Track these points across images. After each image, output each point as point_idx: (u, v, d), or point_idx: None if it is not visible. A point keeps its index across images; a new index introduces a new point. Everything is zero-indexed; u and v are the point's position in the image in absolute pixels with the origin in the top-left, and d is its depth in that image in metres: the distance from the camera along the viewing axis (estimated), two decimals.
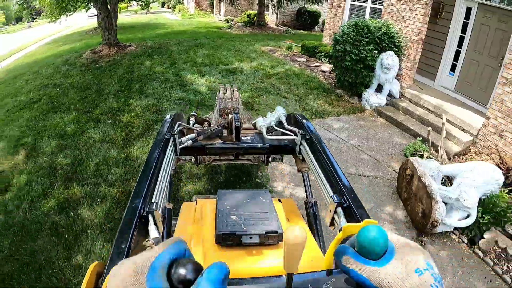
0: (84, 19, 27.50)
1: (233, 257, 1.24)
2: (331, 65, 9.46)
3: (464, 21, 8.37)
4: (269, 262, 0.99)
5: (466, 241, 4.63)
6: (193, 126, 1.93)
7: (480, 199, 4.70)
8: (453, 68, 8.90)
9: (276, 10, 19.18)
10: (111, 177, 5.02)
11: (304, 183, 1.79)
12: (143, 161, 5.22)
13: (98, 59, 11.09)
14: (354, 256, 0.63)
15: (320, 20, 19.93)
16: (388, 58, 7.63)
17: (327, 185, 1.29)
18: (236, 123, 1.72)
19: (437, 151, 5.97)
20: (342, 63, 8.20)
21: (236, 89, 2.59)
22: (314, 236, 1.51)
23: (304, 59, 11.20)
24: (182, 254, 0.60)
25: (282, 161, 2.82)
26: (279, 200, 1.70)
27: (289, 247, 0.62)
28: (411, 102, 8.37)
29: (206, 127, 1.95)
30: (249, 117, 2.96)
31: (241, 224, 1.31)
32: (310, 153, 1.56)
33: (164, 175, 1.39)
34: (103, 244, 3.91)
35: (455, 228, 4.72)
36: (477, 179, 4.70)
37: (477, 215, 4.57)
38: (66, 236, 4.02)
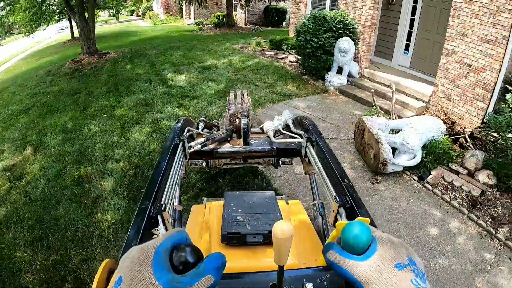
0: (54, 33, 27.42)
1: (238, 255, 1.29)
2: (297, 55, 10.37)
3: (413, 5, 9.25)
4: (272, 260, 0.91)
5: (416, 178, 5.43)
6: (202, 131, 1.96)
7: (424, 144, 5.52)
8: (407, 48, 9.78)
9: (244, 10, 19.98)
10: (116, 156, 5.71)
11: (311, 185, 1.83)
12: (142, 142, 6.08)
13: (80, 68, 11.51)
14: (338, 251, 0.66)
15: (287, 16, 20.53)
16: (344, 43, 8.54)
17: (330, 186, 1.32)
18: (244, 127, 1.76)
19: (390, 115, 6.85)
20: (304, 51, 9.07)
21: (246, 93, 2.62)
22: (321, 236, 1.57)
23: (272, 53, 11.96)
24: (183, 241, 0.64)
25: (292, 164, 2.87)
26: (287, 202, 1.76)
27: (277, 240, 0.64)
28: (370, 80, 9.24)
29: (215, 132, 2.00)
30: (258, 121, 2.99)
31: (246, 224, 1.35)
32: (315, 155, 1.59)
33: (174, 178, 1.43)
34: (117, 202, 4.60)
35: (406, 169, 5.51)
36: (419, 128, 5.54)
37: (422, 156, 5.38)
38: (85, 201, 4.68)
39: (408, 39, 9.70)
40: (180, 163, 1.55)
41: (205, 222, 1.57)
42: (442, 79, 7.62)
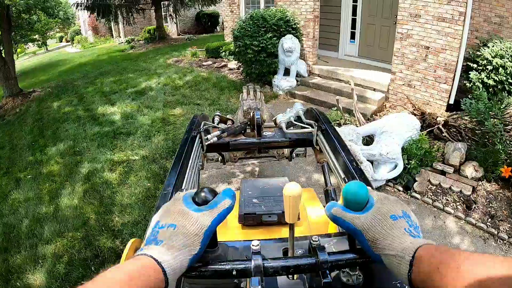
0: None
1: (254, 234, 1.37)
2: (237, 62, 9.22)
3: None
4: (286, 237, 0.94)
5: (401, 188, 4.65)
6: (217, 124, 1.98)
7: (403, 148, 4.72)
8: (353, 36, 9.03)
9: (174, 20, 18.67)
10: (46, 234, 4.30)
11: (323, 173, 1.81)
12: (74, 208, 4.74)
13: (4, 114, 9.94)
14: (340, 207, 0.71)
15: (220, 20, 19.53)
16: (288, 41, 7.49)
17: (341, 171, 1.32)
18: (257, 119, 1.78)
19: (354, 115, 5.95)
20: (245, 57, 7.97)
21: (259, 90, 2.66)
22: None
23: (210, 62, 10.81)
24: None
25: (305, 156, 2.81)
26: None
27: (286, 199, 0.72)
28: (321, 77, 8.31)
29: (230, 125, 2.01)
30: (271, 115, 2.92)
31: (261, 206, 1.45)
32: (325, 143, 1.59)
33: (193, 168, 1.44)
34: None
35: (388, 181, 4.71)
36: (394, 130, 4.72)
37: (404, 163, 4.60)
38: None
39: (353, 26, 8.95)
40: (198, 155, 1.57)
41: None
42: (399, 65, 6.90)
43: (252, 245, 0.74)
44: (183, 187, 1.22)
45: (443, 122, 5.71)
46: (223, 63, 10.39)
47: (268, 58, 7.86)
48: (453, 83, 6.37)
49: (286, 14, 8.03)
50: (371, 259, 0.68)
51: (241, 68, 8.95)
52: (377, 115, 6.82)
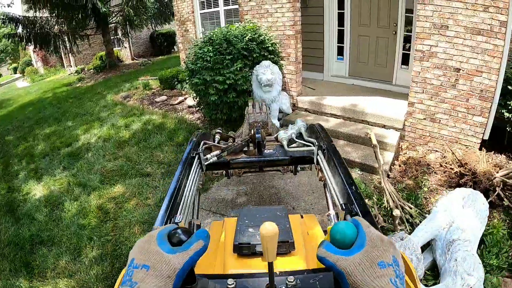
0: None
1: (248, 264, 1.30)
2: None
3: None
4: (280, 267, 0.95)
5: None
6: (218, 143, 1.95)
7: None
8: (341, 52, 7.07)
9: (125, 44, 16.30)
10: None
11: (325, 194, 1.71)
12: None
13: None
14: (327, 247, 0.69)
15: (177, 39, 17.32)
16: (265, 71, 5.28)
17: (339, 194, 1.28)
18: (258, 138, 1.73)
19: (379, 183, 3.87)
20: (206, 99, 5.71)
21: (265, 103, 2.61)
22: None
23: (164, 97, 8.61)
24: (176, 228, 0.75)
25: (310, 169, 2.37)
26: (301, 216, 1.76)
27: (263, 239, 0.71)
28: (308, 112, 6.22)
29: (231, 143, 1.95)
30: (277, 130, 2.80)
31: (256, 235, 1.37)
32: (325, 163, 1.55)
33: (190, 191, 1.41)
34: None
35: None
36: (467, 231, 2.85)
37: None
38: None
39: (340, 40, 6.96)
40: (196, 175, 1.54)
41: (222, 235, 1.61)
42: (419, 94, 4.97)
43: (228, 284, 0.81)
44: (178, 211, 1.19)
45: (500, 182, 3.85)
46: (180, 98, 8.15)
47: (239, 98, 5.63)
48: (489, 115, 4.62)
49: (259, 32, 5.84)
50: None
51: (203, 112, 6.67)
52: (398, 166, 4.83)
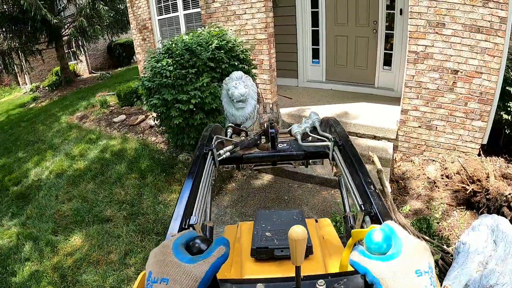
0: None
1: (266, 269, 1.30)
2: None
3: None
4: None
5: None
6: (230, 137, 1.84)
7: None
8: (316, 55, 6.44)
9: (80, 57, 15.10)
10: None
11: (341, 193, 1.55)
12: None
13: None
14: (361, 252, 0.67)
15: (135, 49, 16.34)
16: (237, 84, 4.46)
17: (357, 193, 1.16)
18: (271, 131, 1.67)
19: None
20: (169, 122, 4.81)
21: (276, 104, 2.45)
22: None
23: (123, 116, 7.65)
24: (194, 235, 0.72)
25: (322, 163, 2.10)
26: (316, 220, 1.77)
27: (292, 242, 0.69)
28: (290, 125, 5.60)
29: (244, 138, 1.87)
30: (288, 125, 2.60)
31: (274, 240, 1.38)
32: (341, 160, 1.43)
33: (204, 189, 1.29)
34: None
35: None
36: (506, 275, 2.44)
37: None
38: None
39: (315, 41, 6.32)
40: (210, 172, 1.45)
41: (237, 239, 1.61)
42: (413, 100, 4.38)
43: None
44: (193, 212, 1.11)
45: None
46: (140, 117, 7.23)
47: (208, 119, 4.80)
48: (489, 118, 4.19)
49: (227, 37, 4.94)
50: None
51: (167, 137, 5.72)
52: (397, 182, 4.21)
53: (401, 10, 5.07)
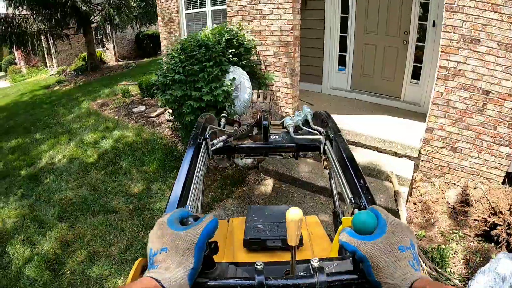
0: None
1: (259, 258, 1.04)
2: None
3: None
4: (289, 260, 0.91)
5: None
6: (224, 127, 1.92)
7: None
8: (342, 62, 6.25)
9: (106, 45, 15.24)
10: None
11: (331, 188, 1.72)
12: None
13: None
14: (349, 232, 0.72)
15: (161, 42, 16.36)
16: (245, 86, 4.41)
17: (347, 187, 1.21)
18: (264, 123, 1.71)
19: None
20: (181, 119, 4.75)
21: (270, 94, 2.42)
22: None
23: (143, 107, 7.67)
24: (186, 214, 0.76)
25: (312, 156, 2.42)
26: (304, 217, 1.71)
27: (288, 223, 0.75)
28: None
29: (237, 128, 1.91)
30: (281, 116, 2.66)
31: (266, 231, 1.43)
32: (333, 154, 1.50)
33: (198, 179, 1.33)
34: None
35: None
36: None
37: None
38: None
39: (342, 48, 6.14)
40: (203, 162, 1.49)
41: (229, 232, 1.66)
42: (440, 118, 4.15)
43: (256, 265, 0.79)
44: (188, 201, 1.14)
45: None
46: (159, 110, 7.22)
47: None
48: None
49: (234, 32, 5.00)
50: (369, 283, 0.68)
51: (180, 133, 5.72)
52: (414, 204, 4.01)
53: (434, 22, 4.85)
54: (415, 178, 4.46)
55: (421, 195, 4.16)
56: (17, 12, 12.11)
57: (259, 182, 4.74)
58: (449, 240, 3.49)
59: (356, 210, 1.04)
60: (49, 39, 12.99)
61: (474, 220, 3.52)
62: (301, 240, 1.38)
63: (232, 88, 4.52)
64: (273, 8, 5.08)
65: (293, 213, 0.74)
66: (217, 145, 1.63)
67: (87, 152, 5.99)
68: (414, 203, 4.06)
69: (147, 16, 13.39)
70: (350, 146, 4.89)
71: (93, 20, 13.10)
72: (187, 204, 1.14)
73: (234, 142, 1.75)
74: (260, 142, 1.79)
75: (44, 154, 6.42)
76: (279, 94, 5.52)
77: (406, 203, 4.01)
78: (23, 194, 5.22)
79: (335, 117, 4.83)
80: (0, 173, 6.17)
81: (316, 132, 1.73)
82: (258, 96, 2.16)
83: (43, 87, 13.81)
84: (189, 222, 0.73)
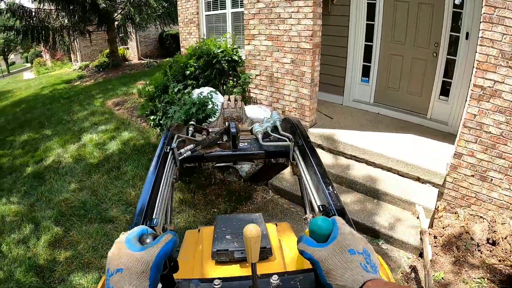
0: None
1: (226, 270, 1.36)
2: None
3: (368, 2, 5.37)
4: (259, 272, 0.90)
5: None
6: (192, 135, 1.90)
7: None
8: (366, 73, 5.87)
9: (131, 43, 15.20)
10: None
11: (302, 195, 1.69)
12: None
13: None
14: (306, 241, 0.73)
15: (180, 42, 16.35)
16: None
17: (315, 194, 1.20)
18: (232, 130, 1.69)
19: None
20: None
21: (240, 99, 2.43)
22: None
23: None
24: (145, 231, 0.74)
25: (286, 162, 1.98)
26: (275, 224, 1.83)
27: (247, 240, 0.75)
28: (323, 149, 4.96)
29: (205, 136, 1.90)
30: (251, 122, 2.68)
31: (234, 242, 1.44)
32: (301, 159, 1.50)
33: (165, 189, 1.28)
34: None
35: None
36: None
37: None
38: None
39: (367, 58, 5.76)
40: (170, 172, 1.48)
41: (199, 242, 1.66)
42: (471, 143, 3.73)
43: (214, 284, 0.82)
44: (154, 213, 1.09)
45: None
46: None
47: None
48: None
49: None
50: None
51: None
52: (434, 238, 3.61)
53: (467, 34, 4.42)
54: (437, 207, 4.06)
55: (443, 228, 3.75)
56: (41, 6, 12.17)
57: (266, 201, 4.43)
58: (470, 286, 3.09)
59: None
60: (70, 34, 12.99)
61: (500, 259, 3.12)
62: (270, 250, 1.40)
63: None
64: (292, 12, 4.76)
65: (251, 230, 0.74)
66: (185, 154, 1.62)
67: (94, 153, 5.84)
68: (435, 237, 3.66)
69: (170, 16, 13.31)
70: (369, 168, 4.60)
71: (115, 18, 13.07)
72: (154, 216, 1.08)
73: (203, 150, 1.74)
74: (229, 150, 1.78)
75: (52, 152, 6.33)
76: (295, 105, 5.20)
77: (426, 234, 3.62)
78: (25, 192, 5.15)
79: (357, 134, 4.47)
80: (7, 168, 6.14)
81: (285, 138, 1.70)
82: (229, 100, 2.05)
83: (64, 82, 13.92)
84: (148, 240, 0.71)
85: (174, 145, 1.56)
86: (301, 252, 0.73)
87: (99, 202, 4.50)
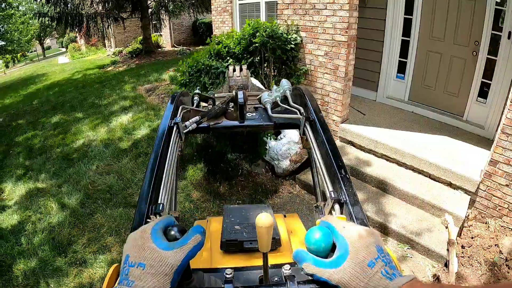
0: None
1: (236, 260, 1.38)
2: None
3: None
4: (268, 263, 0.91)
5: None
6: (197, 105, 1.81)
7: None
8: (401, 69, 5.77)
9: (164, 30, 15.44)
10: None
11: (313, 181, 1.61)
12: None
13: None
14: (313, 262, 0.67)
15: (213, 31, 16.46)
16: None
17: (327, 178, 1.13)
18: (240, 100, 1.61)
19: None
20: None
21: (245, 67, 2.24)
22: None
23: None
24: (171, 223, 0.73)
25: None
26: (284, 215, 1.88)
27: (259, 229, 0.74)
28: (354, 146, 4.96)
29: (211, 106, 1.84)
30: (258, 89, 2.46)
31: (243, 233, 1.46)
32: (312, 136, 1.41)
33: (171, 160, 1.24)
34: None
35: None
36: None
37: None
38: None
39: (403, 54, 5.65)
40: (176, 147, 1.38)
41: (208, 232, 1.62)
42: (508, 151, 3.65)
43: (226, 274, 0.79)
44: (160, 196, 1.05)
45: None
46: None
47: None
48: None
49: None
50: None
51: None
52: (462, 247, 3.54)
53: (509, 33, 4.27)
54: (468, 215, 3.96)
55: (472, 238, 3.66)
56: None
57: (293, 195, 4.46)
58: None
59: (336, 206, 1.01)
60: (104, 21, 13.33)
61: None
62: (279, 240, 1.42)
63: None
64: (327, 3, 4.72)
65: (264, 219, 0.73)
66: (190, 127, 1.56)
67: (124, 138, 6.00)
68: (463, 246, 3.58)
69: (203, 5, 13.45)
70: (400, 168, 4.56)
71: (148, 5, 13.31)
72: (159, 198, 1.07)
73: (208, 122, 1.67)
74: (235, 121, 1.71)
75: (82, 135, 6.58)
76: (328, 99, 5.18)
77: (453, 244, 3.56)
78: (54, 173, 5.35)
79: (390, 133, 4.41)
80: (38, 149, 6.40)
81: (295, 110, 1.63)
82: (234, 70, 2.04)
83: (97, 67, 14.38)
84: (175, 235, 0.69)
85: (178, 119, 1.53)
86: (313, 276, 0.68)
87: (125, 186, 4.66)
